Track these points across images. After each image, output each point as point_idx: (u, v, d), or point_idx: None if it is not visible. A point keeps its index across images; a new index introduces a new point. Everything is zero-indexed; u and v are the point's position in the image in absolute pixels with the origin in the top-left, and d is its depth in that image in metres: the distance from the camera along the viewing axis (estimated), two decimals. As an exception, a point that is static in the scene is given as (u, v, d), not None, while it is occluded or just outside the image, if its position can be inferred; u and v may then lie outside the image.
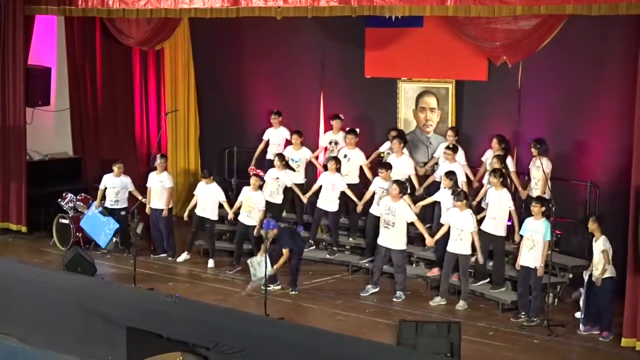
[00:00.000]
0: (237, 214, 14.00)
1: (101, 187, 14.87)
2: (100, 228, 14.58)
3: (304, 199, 14.32)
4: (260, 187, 14.00)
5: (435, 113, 14.56)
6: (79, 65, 17.10)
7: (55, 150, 16.96)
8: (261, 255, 12.60)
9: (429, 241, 12.78)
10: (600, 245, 11.04)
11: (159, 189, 14.53)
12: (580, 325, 11.35)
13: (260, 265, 12.55)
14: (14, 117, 15.58)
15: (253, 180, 13.94)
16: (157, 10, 14.44)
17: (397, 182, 12.78)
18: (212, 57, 16.98)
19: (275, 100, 15.89)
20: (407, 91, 14.80)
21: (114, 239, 14.78)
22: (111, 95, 17.41)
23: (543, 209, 11.59)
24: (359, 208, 13.92)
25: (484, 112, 14.11)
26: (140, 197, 14.65)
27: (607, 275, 11.01)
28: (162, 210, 14.49)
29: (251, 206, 13.78)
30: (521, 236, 11.87)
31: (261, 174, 14.44)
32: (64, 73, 17.00)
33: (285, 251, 12.77)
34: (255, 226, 13.69)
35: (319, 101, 15.74)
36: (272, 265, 12.58)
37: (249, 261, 13.03)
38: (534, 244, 11.55)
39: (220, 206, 14.27)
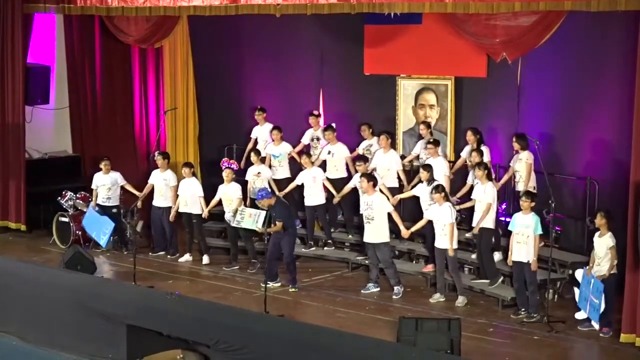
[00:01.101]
0: (220, 213, 13.91)
1: (93, 186, 14.87)
2: (99, 228, 14.53)
3: (280, 194, 14.03)
4: (234, 179, 13.98)
5: (435, 110, 14.55)
6: (78, 63, 17.11)
7: (54, 148, 16.97)
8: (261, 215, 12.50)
9: (404, 233, 12.74)
10: (609, 241, 11.00)
11: (163, 187, 14.48)
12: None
13: (251, 219, 12.47)
14: (13, 115, 15.60)
15: (225, 173, 13.93)
16: (155, 8, 14.47)
17: (364, 175, 12.74)
18: (211, 54, 16.95)
19: (274, 97, 15.89)
20: (407, 88, 14.79)
21: (111, 238, 14.68)
22: (110, 93, 17.41)
23: (533, 203, 11.58)
24: (335, 200, 13.96)
25: (484, 108, 14.09)
26: (134, 191, 14.63)
27: (613, 271, 11.01)
28: (165, 208, 14.42)
29: (230, 200, 13.74)
30: (510, 231, 11.86)
31: (234, 165, 14.41)
32: (63, 71, 17.02)
33: (279, 224, 12.69)
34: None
35: (319, 98, 15.72)
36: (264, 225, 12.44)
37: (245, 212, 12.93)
38: (525, 238, 11.53)
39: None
